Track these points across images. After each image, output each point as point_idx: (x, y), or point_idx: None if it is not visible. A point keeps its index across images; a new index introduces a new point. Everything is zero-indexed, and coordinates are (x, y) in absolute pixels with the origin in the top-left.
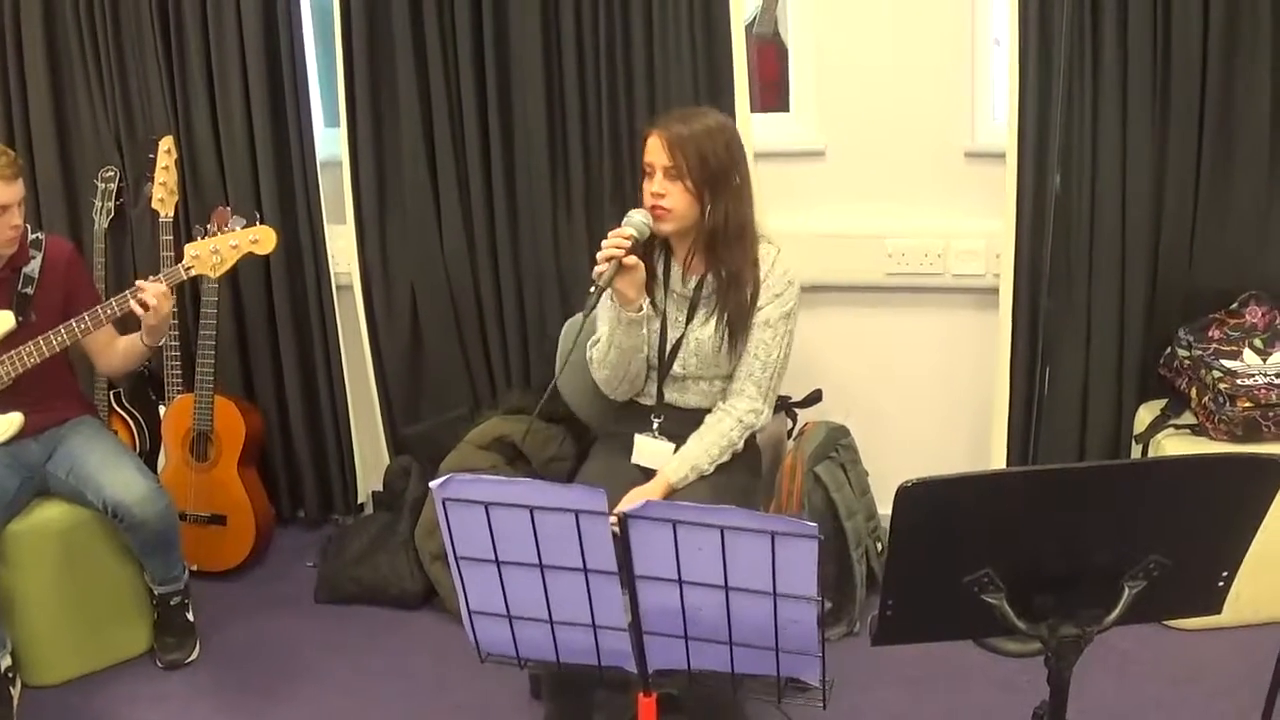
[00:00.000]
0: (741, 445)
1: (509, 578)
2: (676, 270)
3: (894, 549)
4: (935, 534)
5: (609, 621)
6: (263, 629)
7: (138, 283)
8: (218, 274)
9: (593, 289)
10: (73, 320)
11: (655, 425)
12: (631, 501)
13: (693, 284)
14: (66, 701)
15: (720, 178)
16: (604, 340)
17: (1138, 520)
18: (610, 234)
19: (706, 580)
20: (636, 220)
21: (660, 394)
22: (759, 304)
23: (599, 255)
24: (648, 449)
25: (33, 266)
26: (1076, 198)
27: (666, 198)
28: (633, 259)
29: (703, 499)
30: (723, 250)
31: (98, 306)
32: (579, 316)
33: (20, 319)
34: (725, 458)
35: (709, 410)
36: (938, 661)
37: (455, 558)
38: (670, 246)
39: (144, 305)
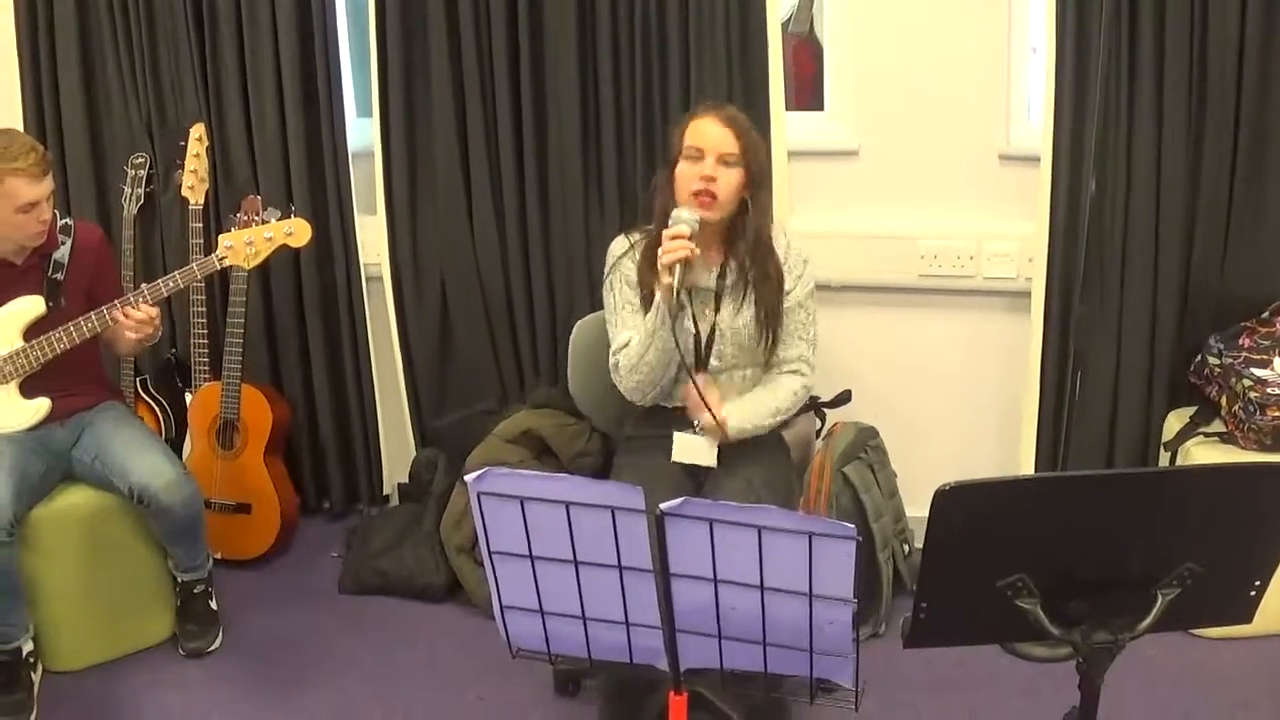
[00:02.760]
0: (791, 414)
1: (542, 573)
2: (696, 251)
3: (929, 552)
4: (971, 538)
5: (642, 619)
6: (286, 619)
7: (120, 307)
8: (251, 265)
9: (671, 297)
10: (104, 308)
11: (698, 422)
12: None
13: (713, 276)
14: (87, 687)
15: (765, 171)
16: (637, 345)
17: (1172, 528)
18: (665, 237)
19: (742, 580)
20: (686, 216)
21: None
22: (786, 289)
23: (664, 260)
24: (692, 445)
25: (62, 252)
26: (1110, 202)
27: (718, 181)
28: (696, 252)
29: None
30: (748, 245)
31: (129, 295)
32: (590, 318)
33: (50, 305)
34: (777, 420)
35: None
36: (962, 664)
37: (489, 552)
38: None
39: (127, 319)
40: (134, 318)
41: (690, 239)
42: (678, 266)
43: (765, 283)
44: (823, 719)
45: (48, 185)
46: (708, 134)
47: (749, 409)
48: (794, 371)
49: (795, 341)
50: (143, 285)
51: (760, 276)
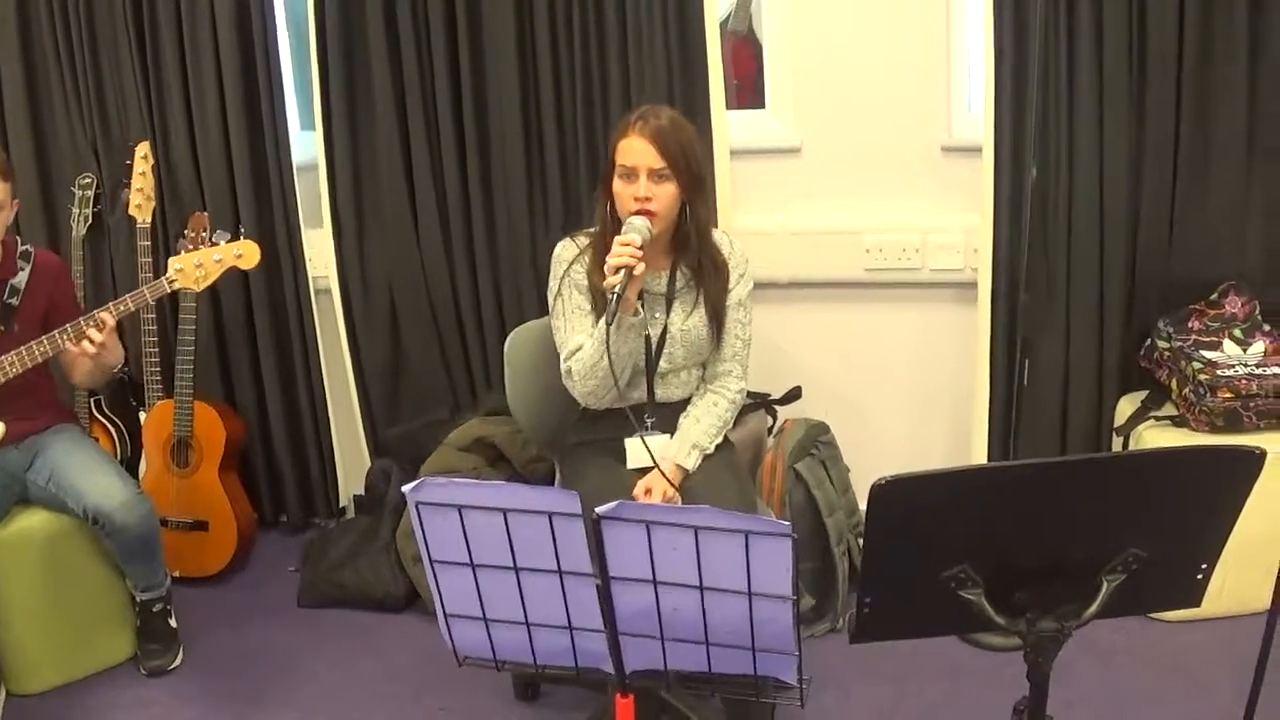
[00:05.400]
0: (732, 423)
1: (484, 580)
2: (641, 269)
3: (870, 546)
4: (911, 531)
5: (585, 623)
6: (246, 634)
7: (100, 314)
8: (201, 287)
9: (610, 298)
10: (55, 331)
11: (649, 424)
12: (650, 489)
13: (663, 280)
14: (50, 710)
15: (699, 176)
16: (590, 351)
17: (1115, 514)
18: (616, 242)
19: (682, 580)
20: (639, 225)
21: (651, 393)
22: (729, 287)
23: (610, 264)
24: (645, 451)
25: (20, 278)
26: (1054, 190)
27: (653, 200)
28: (641, 265)
29: (720, 478)
30: (693, 244)
31: (80, 319)
32: (523, 328)
33: (3, 329)
34: (720, 439)
35: (688, 400)
36: (920, 656)
37: (430, 561)
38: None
39: (91, 340)
40: (95, 341)
41: (640, 248)
42: (622, 272)
43: (715, 276)
44: (801, 718)
45: (8, 190)
46: (634, 152)
47: (702, 427)
48: (728, 373)
49: (732, 340)
50: (94, 311)
51: (710, 270)
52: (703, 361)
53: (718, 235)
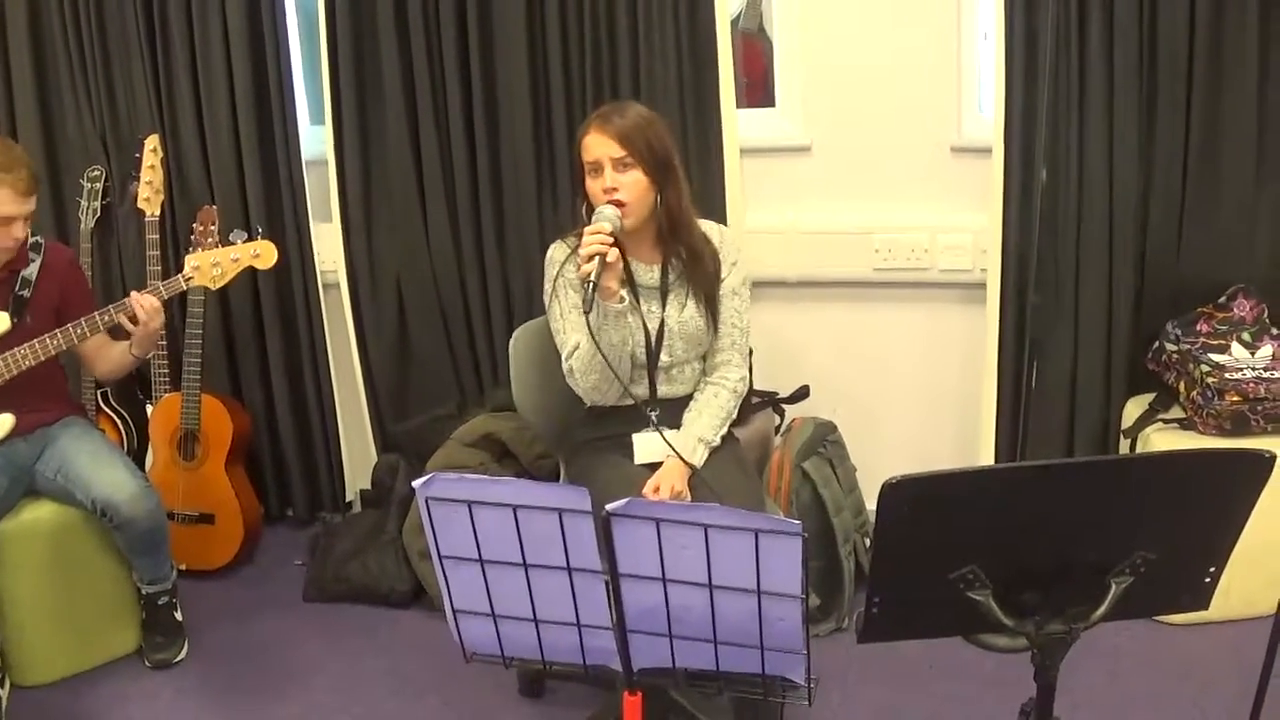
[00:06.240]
0: (736, 413)
1: (493, 577)
2: (634, 264)
3: (879, 546)
4: (920, 531)
5: (594, 620)
6: (251, 628)
7: (132, 294)
8: (217, 286)
9: (586, 286)
10: (70, 325)
11: (653, 419)
12: (660, 486)
13: (655, 274)
14: (55, 701)
15: (667, 164)
16: (585, 346)
17: (1124, 516)
18: (586, 232)
19: (691, 578)
20: (608, 213)
21: (653, 388)
22: (721, 276)
23: (582, 253)
24: (653, 445)
25: (31, 270)
26: (1063, 192)
27: (621, 190)
28: (614, 253)
29: (728, 474)
30: (675, 235)
31: (95, 313)
32: (528, 326)
33: (15, 320)
34: (725, 430)
35: (692, 395)
36: (926, 656)
37: (439, 557)
38: (621, 243)
39: (133, 319)
40: (148, 307)
41: (612, 235)
42: (596, 260)
43: (699, 263)
44: (806, 718)
45: (29, 205)
46: (594, 146)
47: (705, 420)
48: (727, 362)
49: (728, 329)
50: (108, 307)
51: (693, 258)
52: (703, 355)
53: (706, 225)
